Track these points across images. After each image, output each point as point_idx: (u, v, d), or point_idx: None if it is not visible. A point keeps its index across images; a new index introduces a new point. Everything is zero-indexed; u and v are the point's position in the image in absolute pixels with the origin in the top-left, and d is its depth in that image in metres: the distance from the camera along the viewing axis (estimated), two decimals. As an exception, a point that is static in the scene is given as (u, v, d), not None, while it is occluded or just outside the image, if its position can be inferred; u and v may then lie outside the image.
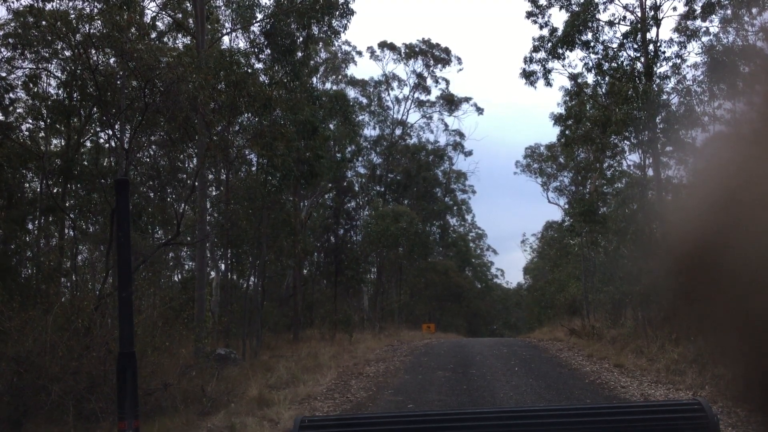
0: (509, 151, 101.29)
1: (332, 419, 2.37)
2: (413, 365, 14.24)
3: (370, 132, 38.32)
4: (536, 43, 21.05)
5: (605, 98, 19.80)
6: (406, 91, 39.62)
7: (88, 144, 21.17)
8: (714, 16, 18.78)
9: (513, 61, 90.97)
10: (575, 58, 48.44)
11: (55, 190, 19.16)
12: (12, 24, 18.05)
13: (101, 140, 21.42)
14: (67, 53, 17.78)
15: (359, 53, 41.03)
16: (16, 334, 8.48)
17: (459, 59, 39.65)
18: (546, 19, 20.75)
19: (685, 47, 19.05)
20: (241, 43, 21.98)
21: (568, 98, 24.29)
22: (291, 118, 18.56)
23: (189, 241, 17.99)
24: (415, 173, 39.26)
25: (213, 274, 20.06)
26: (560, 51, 20.57)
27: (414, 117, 63.10)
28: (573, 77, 21.60)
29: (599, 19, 19.93)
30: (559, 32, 20.36)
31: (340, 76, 34.90)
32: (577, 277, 27.62)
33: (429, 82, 39.83)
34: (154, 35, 18.38)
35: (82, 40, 14.98)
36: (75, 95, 18.77)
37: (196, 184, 15.23)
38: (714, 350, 0.83)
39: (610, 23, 19.88)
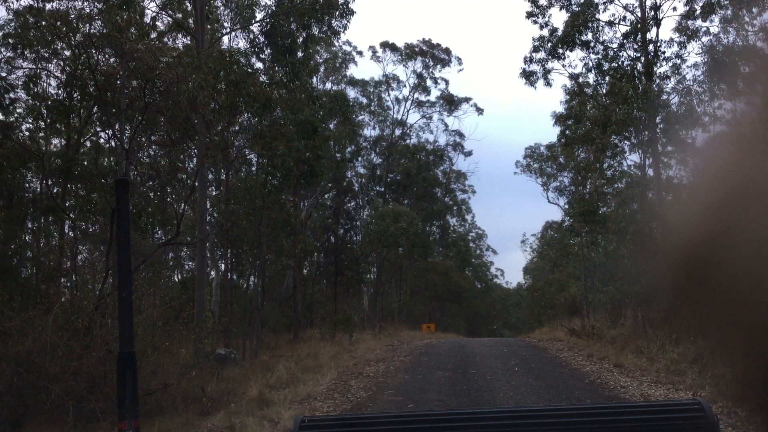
0: (509, 151, 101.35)
1: (332, 419, 2.37)
2: (413, 365, 14.24)
3: (370, 132, 38.37)
4: (536, 43, 21.08)
5: (605, 98, 19.81)
6: (406, 91, 39.66)
7: (88, 144, 21.17)
8: (714, 16, 18.80)
9: (513, 61, 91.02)
10: (575, 58, 48.53)
11: (55, 190, 19.16)
12: (12, 24, 18.06)
13: (101, 140, 21.44)
14: (67, 53, 17.78)
15: (360, 53, 41.15)
16: (16, 334, 8.48)
17: (459, 59, 39.69)
18: (546, 19, 20.78)
19: (685, 47, 19.08)
20: (241, 43, 22.00)
21: (569, 98, 24.31)
22: (291, 118, 18.56)
23: (189, 241, 17.99)
24: (415, 173, 39.26)
25: (213, 274, 20.07)
26: (560, 51, 20.59)
27: (414, 117, 63.26)
28: (573, 77, 21.62)
29: (599, 19, 19.96)
30: (559, 32, 20.38)
31: (340, 76, 34.91)
32: (577, 277, 27.62)
33: (429, 82, 39.89)
34: (154, 35, 18.37)
35: (82, 40, 14.98)
36: (75, 95, 18.77)
37: (196, 184, 15.23)
38: (714, 350, 0.83)
39: (610, 23, 19.89)
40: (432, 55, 39.24)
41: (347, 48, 34.81)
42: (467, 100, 40.81)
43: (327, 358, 15.05)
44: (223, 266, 21.63)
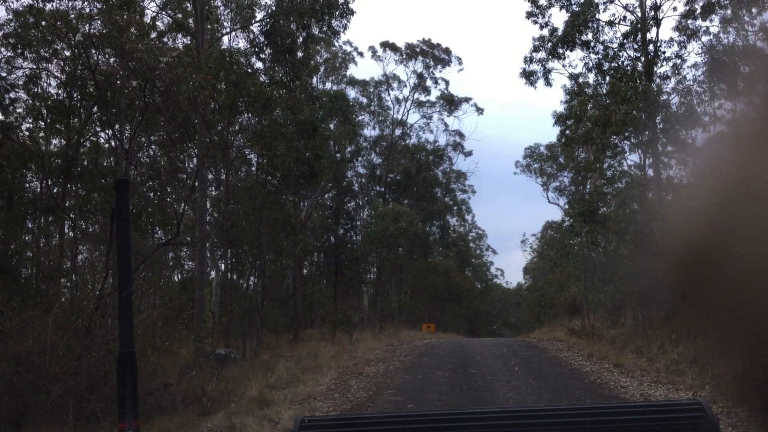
0: (509, 151, 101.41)
1: (332, 419, 2.37)
2: (413, 365, 14.24)
3: (370, 132, 38.38)
4: (536, 43, 21.07)
5: (605, 98, 19.80)
6: (406, 91, 39.67)
7: (88, 144, 21.17)
8: (714, 15, 18.79)
9: (513, 61, 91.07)
10: (575, 58, 48.58)
11: (55, 190, 19.16)
12: (12, 24, 18.06)
13: (101, 140, 21.45)
14: (67, 53, 17.78)
15: (360, 54, 41.12)
16: (16, 334, 8.47)
17: (459, 59, 39.70)
18: (546, 19, 20.76)
19: (685, 47, 19.07)
20: (241, 43, 22.02)
21: (569, 98, 24.31)
22: (291, 118, 18.56)
23: (189, 241, 17.98)
24: (414, 173, 39.26)
25: (213, 274, 20.06)
26: (560, 51, 20.57)
27: (414, 117, 63.25)
28: (573, 77, 21.61)
29: (599, 19, 19.94)
30: (559, 32, 20.36)
31: (340, 76, 34.92)
32: (577, 277, 27.62)
33: (429, 82, 39.89)
34: (154, 35, 18.37)
35: (82, 40, 14.98)
36: (75, 95, 18.77)
37: (196, 184, 15.22)
38: (714, 350, 0.83)
39: (610, 23, 19.89)
40: (432, 55, 39.25)
41: (347, 48, 34.84)
42: (467, 100, 40.84)
43: (327, 358, 15.05)
44: (223, 266, 21.63)
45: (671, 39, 19.53)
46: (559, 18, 77.91)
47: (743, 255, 0.72)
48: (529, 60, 21.36)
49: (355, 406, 9.63)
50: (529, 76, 21.51)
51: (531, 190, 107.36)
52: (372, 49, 40.03)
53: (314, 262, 34.85)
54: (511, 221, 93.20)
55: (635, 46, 19.49)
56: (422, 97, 40.09)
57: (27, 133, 20.35)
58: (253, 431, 7.95)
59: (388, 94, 39.39)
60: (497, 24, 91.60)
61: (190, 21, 18.60)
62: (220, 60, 15.65)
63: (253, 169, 20.99)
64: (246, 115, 17.73)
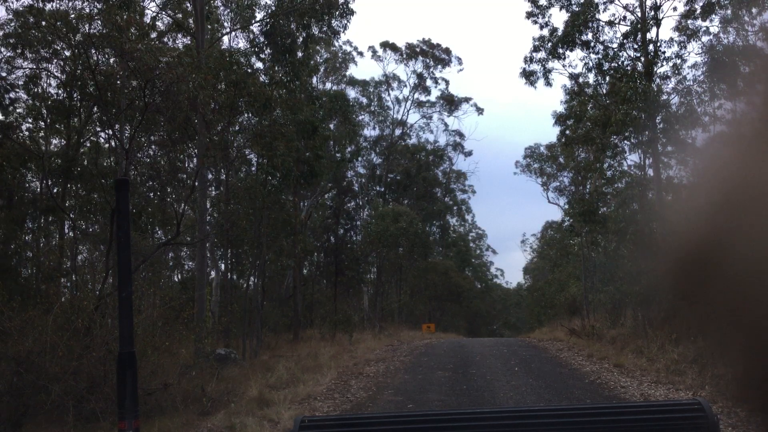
0: (509, 151, 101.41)
1: (332, 419, 2.37)
2: (413, 365, 14.24)
3: (370, 132, 38.38)
4: (536, 43, 21.07)
5: (605, 98, 19.80)
6: (406, 91, 39.66)
7: (88, 144, 21.17)
8: (714, 15, 18.79)
9: (513, 61, 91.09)
10: (575, 58, 48.56)
11: (55, 190, 19.16)
12: (12, 24, 18.07)
13: (101, 140, 21.45)
14: (67, 53, 17.79)
15: (360, 54, 41.19)
16: (16, 334, 8.47)
17: (459, 59, 39.70)
18: (546, 19, 20.76)
19: (685, 47, 19.07)
20: (241, 43, 21.99)
21: (569, 98, 24.31)
22: (291, 118, 18.56)
23: (189, 241, 17.98)
24: (414, 173, 39.27)
25: (213, 274, 20.06)
26: (560, 51, 20.57)
27: (414, 117, 63.21)
28: (573, 77, 21.61)
29: (599, 19, 19.94)
30: (559, 32, 20.36)
31: (340, 76, 34.91)
32: (577, 277, 27.62)
33: (429, 82, 39.90)
34: (154, 35, 18.36)
35: (82, 40, 14.98)
36: (75, 95, 18.77)
37: (196, 184, 15.22)
38: (714, 350, 0.83)
39: (610, 23, 19.88)
40: (432, 55, 39.25)
41: (347, 48, 34.85)
42: (467, 100, 40.84)
43: (327, 358, 15.05)
44: (223, 266, 21.64)
45: (671, 39, 19.55)
46: (559, 18, 77.96)
47: (743, 255, 0.72)
48: (529, 60, 21.38)
49: (355, 406, 9.63)
50: (529, 76, 21.52)
51: (531, 190, 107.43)
52: (372, 49, 40.07)
53: (314, 262, 34.86)
54: (511, 221, 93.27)
55: (635, 46, 19.50)
56: (422, 97, 40.13)
57: (27, 133, 20.37)
58: (253, 431, 7.95)
59: (388, 94, 39.43)
60: (497, 24, 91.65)
61: (190, 21, 18.60)
62: (220, 60, 15.65)
63: (253, 169, 21.00)
64: (246, 115, 17.73)
